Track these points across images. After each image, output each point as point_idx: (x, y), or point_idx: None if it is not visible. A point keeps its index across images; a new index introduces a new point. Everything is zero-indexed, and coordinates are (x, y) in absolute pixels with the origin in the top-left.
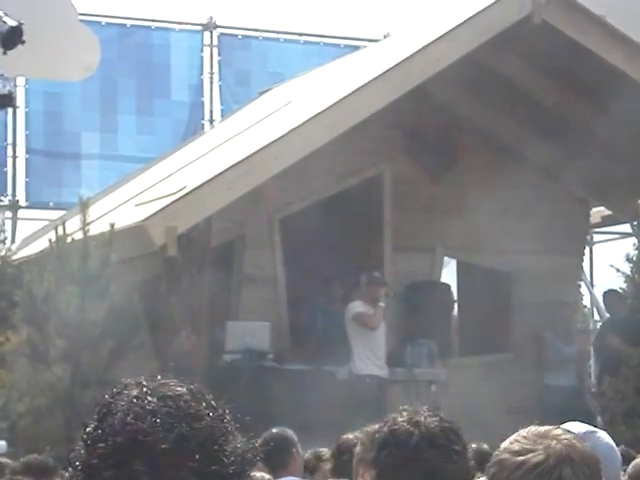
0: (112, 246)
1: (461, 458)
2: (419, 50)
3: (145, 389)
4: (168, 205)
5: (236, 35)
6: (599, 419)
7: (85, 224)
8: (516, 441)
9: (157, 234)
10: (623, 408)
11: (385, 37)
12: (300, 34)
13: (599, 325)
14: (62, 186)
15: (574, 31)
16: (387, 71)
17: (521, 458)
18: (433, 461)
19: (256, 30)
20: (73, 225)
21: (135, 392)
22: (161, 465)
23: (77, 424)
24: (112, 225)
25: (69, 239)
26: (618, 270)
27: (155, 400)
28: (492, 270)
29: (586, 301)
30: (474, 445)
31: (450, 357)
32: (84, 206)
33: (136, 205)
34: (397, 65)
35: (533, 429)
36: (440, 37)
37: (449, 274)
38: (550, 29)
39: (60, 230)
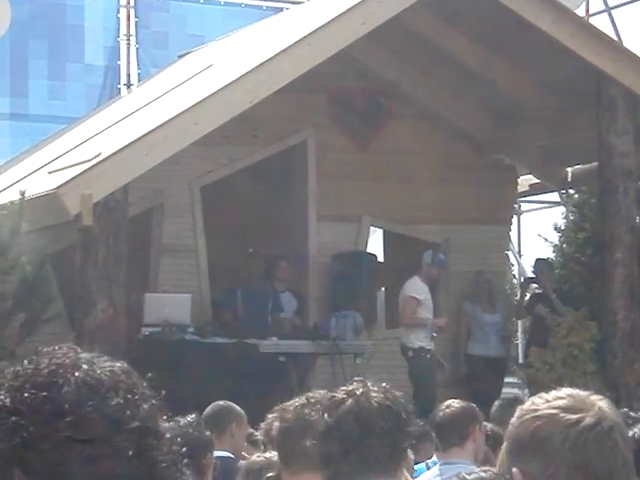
0: (23, 215)
1: None
2: (343, 13)
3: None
4: (83, 172)
5: None
6: (526, 390)
7: None
8: (559, 397)
9: (72, 202)
10: (550, 379)
11: None
12: None
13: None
14: None
15: None
16: (310, 34)
17: (575, 416)
18: None
19: None
20: None
21: (85, 366)
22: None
23: None
24: (23, 193)
25: None
26: (546, 240)
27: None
28: (420, 240)
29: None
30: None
31: (376, 329)
32: None
33: (49, 172)
34: (321, 28)
35: (567, 390)
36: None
37: (375, 244)
38: None
39: None
